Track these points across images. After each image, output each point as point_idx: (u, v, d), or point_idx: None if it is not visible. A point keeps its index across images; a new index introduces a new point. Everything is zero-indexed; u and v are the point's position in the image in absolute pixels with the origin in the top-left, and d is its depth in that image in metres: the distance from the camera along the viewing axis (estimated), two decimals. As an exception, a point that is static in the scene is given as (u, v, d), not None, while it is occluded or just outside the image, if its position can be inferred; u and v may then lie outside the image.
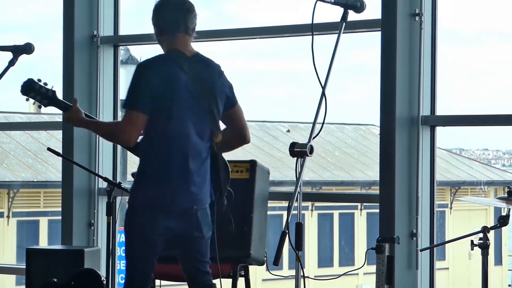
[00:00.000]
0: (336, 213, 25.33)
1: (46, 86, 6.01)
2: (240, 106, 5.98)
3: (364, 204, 21.36)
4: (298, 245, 4.77)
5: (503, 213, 5.86)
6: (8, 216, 22.77)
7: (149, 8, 6.61)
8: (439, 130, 7.47)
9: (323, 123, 4.85)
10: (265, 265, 6.90)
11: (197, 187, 5.73)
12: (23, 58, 5.99)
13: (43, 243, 19.96)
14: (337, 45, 5.03)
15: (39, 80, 6.09)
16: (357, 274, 19.68)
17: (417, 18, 7.27)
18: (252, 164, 6.91)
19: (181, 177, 5.72)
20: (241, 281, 6.76)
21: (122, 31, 8.54)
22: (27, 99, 5.97)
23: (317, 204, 24.34)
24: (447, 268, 22.46)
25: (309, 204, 23.82)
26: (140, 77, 5.54)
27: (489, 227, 5.69)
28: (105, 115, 8.11)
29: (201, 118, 5.73)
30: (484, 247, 5.66)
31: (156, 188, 5.75)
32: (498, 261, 24.73)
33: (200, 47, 6.21)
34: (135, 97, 5.52)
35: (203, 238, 5.80)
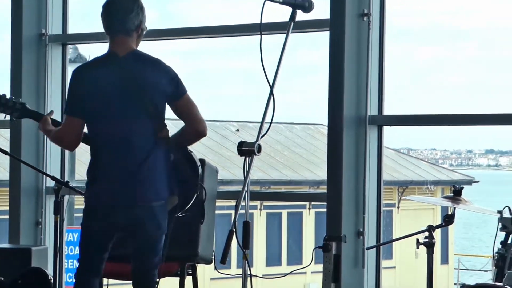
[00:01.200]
0: (284, 212, 25.51)
1: (14, 100, 6.10)
2: (187, 98, 6.02)
3: (312, 203, 21.52)
4: (246, 244, 4.78)
5: (449, 212, 5.91)
6: (-47, 215, 22.70)
7: (97, 7, 6.63)
8: (387, 129, 7.52)
9: (271, 122, 4.87)
10: (213, 263, 6.93)
11: (138, 184, 5.79)
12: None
13: (-9, 242, 19.91)
14: (286, 45, 5.09)
15: (4, 95, 6.15)
16: (305, 272, 19.74)
17: (365, 18, 7.32)
18: (200, 163, 6.87)
19: (120, 176, 5.80)
20: (188, 280, 6.79)
21: (71, 30, 8.53)
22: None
23: (265, 203, 24.49)
24: (394, 267, 22.66)
25: (257, 203, 24.02)
26: (72, 83, 5.73)
27: (434, 226, 5.74)
28: (53, 114, 7.91)
29: (136, 116, 5.80)
30: (430, 245, 5.70)
31: (97, 189, 5.86)
32: (445, 260, 25.06)
33: (149, 47, 6.25)
34: (68, 102, 5.73)
35: (147, 234, 5.84)
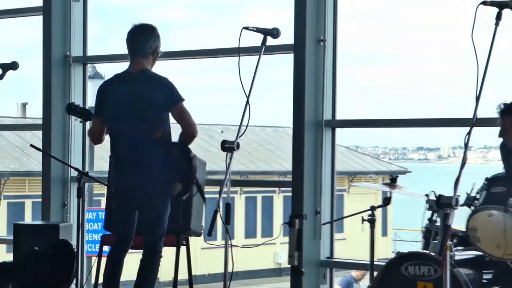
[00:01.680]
0: (259, 196, 25.73)
1: (81, 106, 6.43)
2: (181, 107, 6.08)
3: (281, 189, 21.54)
4: (227, 220, 4.93)
5: (387, 196, 6.02)
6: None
7: (111, 32, 6.49)
8: (339, 131, 7.53)
9: (247, 125, 5.00)
10: (202, 236, 6.91)
11: (137, 173, 5.98)
12: (9, 73, 5.98)
13: (28, 219, 20.04)
14: (258, 64, 5.28)
15: (73, 103, 6.53)
16: (275, 243, 19.79)
17: (321, 43, 7.32)
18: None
19: (122, 166, 6.02)
20: (183, 249, 6.78)
21: (90, 52, 8.55)
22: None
23: (244, 189, 24.79)
24: (344, 239, 22.73)
25: (238, 189, 24.12)
26: (98, 93, 5.92)
27: (376, 206, 5.89)
28: (76, 122, 8.19)
29: (135, 121, 5.94)
30: (372, 222, 5.82)
31: (110, 173, 6.15)
32: (384, 233, 25.32)
33: (160, 66, 6.37)
34: (95, 108, 5.91)
35: (155, 212, 6.01)
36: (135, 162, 6.14)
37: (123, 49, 6.88)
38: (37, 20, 8.69)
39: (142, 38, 6.11)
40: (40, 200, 8.77)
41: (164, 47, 6.74)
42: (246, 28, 5.34)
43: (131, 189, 6.15)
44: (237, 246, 6.72)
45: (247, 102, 5.06)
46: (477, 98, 4.15)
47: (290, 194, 7.47)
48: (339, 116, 7.48)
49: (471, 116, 4.21)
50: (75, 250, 7.14)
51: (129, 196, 6.16)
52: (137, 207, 6.15)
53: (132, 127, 6.14)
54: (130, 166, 6.14)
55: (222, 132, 24.88)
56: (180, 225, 6.60)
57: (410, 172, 27.63)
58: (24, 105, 19.07)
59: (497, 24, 4.41)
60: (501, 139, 5.66)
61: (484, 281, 5.27)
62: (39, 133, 8.94)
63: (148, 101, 6.13)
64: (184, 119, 6.13)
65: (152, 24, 6.07)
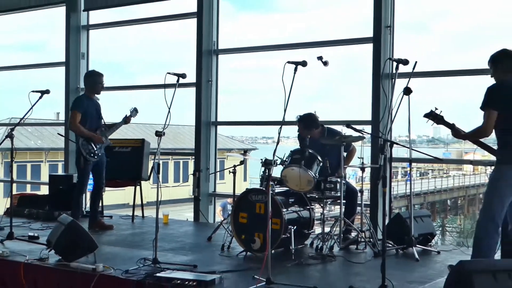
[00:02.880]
0: (181, 161, 25.73)
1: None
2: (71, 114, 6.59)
3: (192, 157, 21.59)
4: (158, 171, 5.03)
5: (243, 160, 6.40)
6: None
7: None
8: (220, 128, 8.69)
9: (168, 124, 4.97)
10: (150, 180, 7.66)
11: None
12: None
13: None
14: (174, 96, 5.02)
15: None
16: (189, 185, 19.59)
17: (209, 82, 8.26)
18: (142, 140, 8.00)
19: None
20: (138, 189, 7.77)
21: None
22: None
23: (173, 157, 24.89)
24: (225, 183, 22.68)
25: (170, 157, 24.51)
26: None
27: (236, 165, 6.25)
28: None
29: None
30: (234, 173, 6.24)
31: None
32: (245, 179, 24.56)
33: None
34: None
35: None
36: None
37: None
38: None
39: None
40: (63, 162, 9.65)
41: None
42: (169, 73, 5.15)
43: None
44: (167, 186, 7.58)
45: (169, 111, 5.00)
46: (285, 109, 4.28)
47: (194, 159, 8.44)
48: (219, 119, 8.56)
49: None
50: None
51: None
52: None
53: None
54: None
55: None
56: (136, 175, 7.75)
57: (257, 149, 26.65)
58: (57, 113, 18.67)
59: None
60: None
61: (289, 202, 5.72)
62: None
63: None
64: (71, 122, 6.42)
65: None
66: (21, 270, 4.87)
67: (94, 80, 6.74)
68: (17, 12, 10.50)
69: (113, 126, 6.93)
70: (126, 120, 6.87)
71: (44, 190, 8.79)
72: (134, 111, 6.89)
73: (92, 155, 6.71)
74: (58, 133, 8.46)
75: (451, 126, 4.39)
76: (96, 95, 6.86)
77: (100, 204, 7.35)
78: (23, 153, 21.94)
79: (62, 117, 9.31)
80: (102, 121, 6.91)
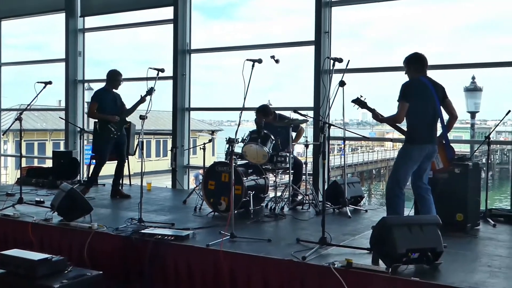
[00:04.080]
0: (161, 140, 25.27)
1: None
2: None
3: (170, 136, 21.89)
4: (142, 148, 5.30)
5: (211, 139, 6.23)
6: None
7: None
8: (192, 113, 8.45)
9: (150, 110, 4.99)
10: (136, 155, 7.39)
11: None
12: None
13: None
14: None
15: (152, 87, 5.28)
16: (169, 159, 19.25)
17: (184, 76, 8.09)
18: (129, 122, 7.35)
19: None
20: (126, 163, 7.19)
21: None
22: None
23: (155, 136, 24.16)
24: (197, 157, 22.30)
25: (152, 136, 23.69)
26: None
27: (205, 143, 6.13)
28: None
29: None
30: (204, 149, 6.21)
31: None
32: (213, 154, 23.34)
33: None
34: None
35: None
36: None
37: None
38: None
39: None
40: (64, 142, 9.35)
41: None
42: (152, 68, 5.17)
43: None
44: (150, 160, 7.68)
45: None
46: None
47: (172, 138, 8.27)
48: (192, 105, 8.39)
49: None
50: (79, 162, 7.95)
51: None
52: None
53: None
54: None
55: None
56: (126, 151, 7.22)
57: (223, 130, 25.77)
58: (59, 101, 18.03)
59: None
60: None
61: (248, 172, 5.59)
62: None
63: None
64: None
65: None
66: (29, 229, 4.88)
67: (115, 78, 6.61)
68: (25, 17, 10.42)
69: (131, 107, 6.53)
70: (141, 100, 6.23)
71: (49, 163, 8.67)
72: (151, 90, 5.98)
73: (112, 134, 6.53)
74: (60, 117, 8.43)
75: (372, 111, 4.32)
76: (114, 89, 6.68)
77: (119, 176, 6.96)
78: (30, 133, 21.60)
79: (63, 104, 9.01)
80: (125, 107, 6.64)
